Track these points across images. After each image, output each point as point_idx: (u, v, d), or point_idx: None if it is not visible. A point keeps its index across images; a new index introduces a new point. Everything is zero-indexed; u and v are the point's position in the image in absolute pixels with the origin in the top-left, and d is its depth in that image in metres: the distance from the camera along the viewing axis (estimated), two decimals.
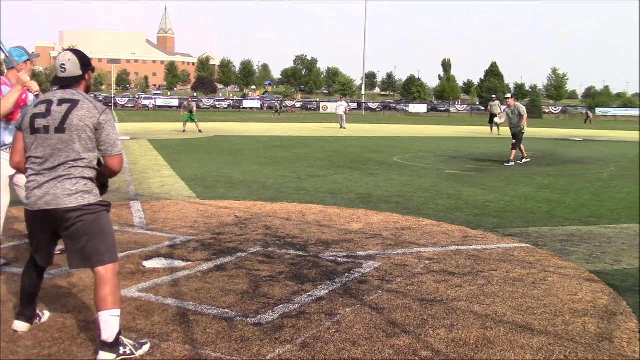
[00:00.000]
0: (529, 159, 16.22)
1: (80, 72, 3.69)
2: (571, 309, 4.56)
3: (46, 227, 3.59)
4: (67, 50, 3.79)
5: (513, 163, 15.55)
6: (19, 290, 4.44)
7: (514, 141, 15.81)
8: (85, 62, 3.73)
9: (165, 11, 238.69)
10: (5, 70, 5.51)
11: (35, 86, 5.25)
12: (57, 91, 3.66)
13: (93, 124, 3.53)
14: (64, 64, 3.66)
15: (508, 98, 16.72)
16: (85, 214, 3.51)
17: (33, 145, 3.57)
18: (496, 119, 21.95)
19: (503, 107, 15.79)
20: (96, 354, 3.52)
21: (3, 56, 5.35)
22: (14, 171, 5.48)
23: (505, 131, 30.40)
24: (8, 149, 5.47)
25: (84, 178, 3.55)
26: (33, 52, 5.64)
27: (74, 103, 3.56)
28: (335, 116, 39.86)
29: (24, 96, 5.38)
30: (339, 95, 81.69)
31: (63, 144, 3.50)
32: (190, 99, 33.35)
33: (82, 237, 3.52)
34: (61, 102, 3.57)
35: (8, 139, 5.39)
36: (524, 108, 16.19)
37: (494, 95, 37.03)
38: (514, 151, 15.80)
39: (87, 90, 3.80)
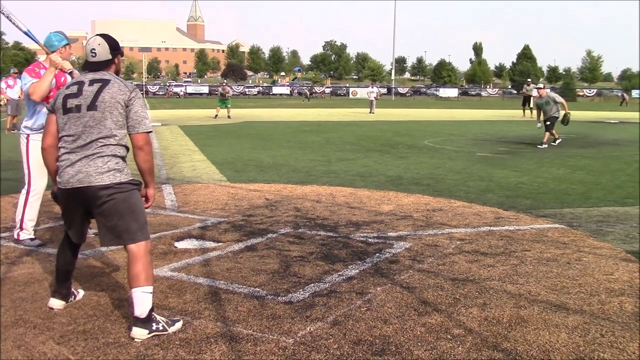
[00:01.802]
0: (560, 139, 15.93)
1: (110, 56, 3.76)
2: (607, 288, 4.46)
3: (79, 205, 3.63)
4: (97, 35, 3.83)
5: (546, 145, 15.30)
6: (53, 270, 4.53)
7: (548, 123, 15.53)
8: (114, 46, 3.80)
9: None
10: (42, 57, 5.60)
11: (68, 65, 5.32)
12: (88, 74, 3.73)
13: (124, 100, 3.58)
14: (94, 49, 3.72)
15: (540, 88, 16.39)
16: (117, 192, 3.54)
17: (66, 125, 3.62)
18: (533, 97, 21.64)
19: (534, 93, 15.52)
20: (129, 330, 3.56)
21: (42, 42, 5.42)
22: None
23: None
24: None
25: (116, 156, 3.58)
26: (72, 37, 5.70)
27: (105, 82, 3.63)
28: (366, 101, 39.89)
29: (62, 79, 5.46)
30: (369, 81, 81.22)
31: (95, 121, 3.54)
32: (224, 84, 33.55)
33: (114, 215, 3.55)
34: (92, 82, 3.64)
35: (43, 120, 5.47)
36: (558, 96, 15.97)
37: (529, 79, 36.45)
38: (547, 133, 15.54)
39: (117, 74, 3.84)
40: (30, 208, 5.64)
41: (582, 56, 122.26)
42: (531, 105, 29.89)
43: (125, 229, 3.58)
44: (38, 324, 3.74)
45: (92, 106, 3.55)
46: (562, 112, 15.66)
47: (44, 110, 5.29)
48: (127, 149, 3.69)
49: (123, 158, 3.65)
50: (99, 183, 3.51)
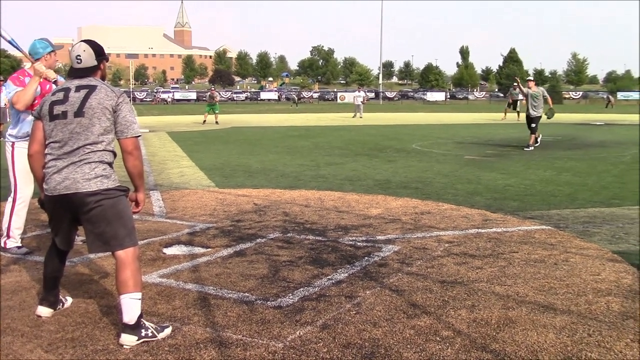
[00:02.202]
0: (538, 143, 16.04)
1: (95, 62, 3.74)
2: (594, 288, 4.50)
3: (66, 211, 3.62)
4: (82, 41, 3.82)
5: (532, 148, 15.41)
6: (41, 278, 4.51)
7: (533, 125, 15.68)
8: (99, 52, 3.78)
9: (182, 5, 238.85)
10: (28, 64, 5.56)
11: (52, 74, 5.29)
12: (74, 80, 3.71)
13: (112, 105, 3.57)
14: (79, 55, 3.70)
15: (530, 80, 16.53)
16: (105, 199, 3.53)
17: (53, 131, 3.60)
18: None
19: (525, 90, 15.65)
20: (118, 337, 3.55)
21: (27, 49, 5.39)
22: None
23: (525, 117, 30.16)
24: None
25: (103, 162, 3.57)
26: (57, 44, 5.68)
27: (92, 88, 3.61)
28: (352, 105, 39.87)
29: (47, 87, 5.42)
30: (357, 85, 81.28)
31: (82, 128, 3.53)
32: (212, 89, 33.53)
33: (101, 221, 3.54)
34: (79, 88, 3.62)
35: (27, 129, 5.45)
36: (545, 91, 16.25)
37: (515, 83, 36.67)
38: (533, 136, 15.69)
39: (102, 79, 3.83)
40: (16, 216, 5.60)
41: (568, 59, 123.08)
42: (517, 109, 30.05)
43: (113, 236, 3.57)
44: (26, 332, 3.71)
45: (79, 112, 3.53)
46: (546, 107, 15.90)
47: (29, 118, 5.27)
48: (115, 154, 3.68)
49: (110, 164, 3.64)
50: (86, 189, 3.49)
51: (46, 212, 3.81)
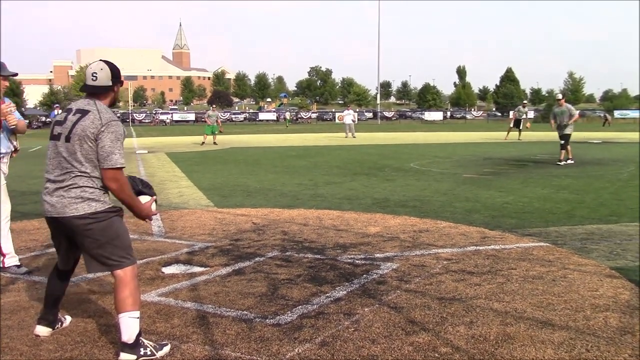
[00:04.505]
0: (573, 161, 16.34)
1: (110, 83, 3.69)
2: (592, 304, 4.51)
3: (60, 233, 3.66)
4: (101, 60, 3.77)
5: (564, 162, 16.00)
6: (40, 298, 4.52)
7: (563, 142, 16.24)
8: (116, 74, 3.73)
9: (180, 27, 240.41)
10: None
11: (12, 119, 5.24)
12: (80, 100, 3.72)
13: (94, 134, 3.50)
14: (95, 72, 3.66)
15: (559, 99, 17.03)
16: (94, 222, 3.52)
17: (49, 150, 3.65)
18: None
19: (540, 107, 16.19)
20: (117, 356, 3.55)
21: None
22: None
23: (525, 136, 30.28)
24: (5, 158, 5.59)
25: (90, 187, 3.54)
26: (8, 70, 5.40)
27: (84, 113, 3.58)
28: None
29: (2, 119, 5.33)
30: (355, 105, 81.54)
31: (68, 153, 3.53)
32: (212, 107, 33.54)
33: (93, 244, 3.55)
34: (77, 111, 3.61)
35: (4, 148, 5.51)
36: (574, 108, 16.73)
37: (525, 101, 36.98)
38: (563, 151, 16.25)
39: (114, 102, 3.80)
40: (3, 231, 5.59)
41: (565, 78, 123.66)
42: (520, 128, 30.22)
43: (109, 256, 3.58)
44: (25, 351, 3.71)
45: (67, 137, 3.53)
46: (571, 126, 16.35)
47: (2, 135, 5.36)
48: (100, 179, 3.62)
49: (99, 187, 3.57)
50: (73, 214, 3.51)
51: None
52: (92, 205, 3.53)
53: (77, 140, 3.51)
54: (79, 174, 3.52)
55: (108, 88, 3.70)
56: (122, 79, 3.85)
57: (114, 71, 3.72)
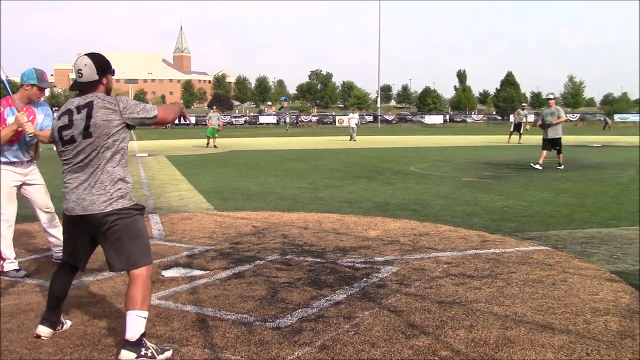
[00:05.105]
0: (541, 168, 16.11)
1: (96, 77, 3.66)
2: (592, 308, 4.51)
3: (83, 232, 3.67)
4: (85, 54, 3.73)
5: (563, 166, 16.00)
6: (40, 300, 4.53)
7: (558, 147, 16.18)
8: (102, 66, 3.69)
9: (181, 30, 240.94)
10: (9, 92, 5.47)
11: (30, 128, 5.22)
12: (74, 99, 3.71)
13: (114, 111, 3.56)
14: (80, 69, 3.65)
15: (550, 99, 17.01)
16: (120, 218, 3.56)
17: (65, 153, 3.66)
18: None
19: (540, 110, 16.14)
20: (118, 353, 3.55)
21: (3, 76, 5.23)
22: (18, 182, 5.60)
23: (525, 139, 30.29)
24: (10, 166, 5.57)
25: (116, 181, 3.59)
26: (47, 82, 5.64)
27: (89, 106, 3.59)
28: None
29: (19, 129, 5.34)
30: (353, 108, 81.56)
31: (92, 147, 3.55)
32: (213, 109, 33.56)
33: (117, 241, 3.58)
34: (79, 109, 3.62)
35: (12, 157, 5.51)
36: (562, 111, 16.68)
37: (524, 104, 36.89)
38: (561, 155, 16.26)
39: (108, 93, 3.76)
40: (3, 238, 5.59)
41: (565, 82, 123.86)
42: (521, 131, 30.20)
43: (130, 254, 3.60)
44: (24, 354, 3.71)
45: (86, 134, 3.54)
46: (559, 129, 16.22)
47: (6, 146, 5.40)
48: (126, 166, 3.69)
49: (123, 179, 3.64)
50: (101, 210, 3.53)
51: (63, 227, 3.85)
52: (119, 202, 3.58)
53: (102, 130, 3.53)
54: (105, 167, 3.56)
55: (96, 82, 3.69)
56: (112, 68, 3.80)
57: (99, 63, 3.69)
